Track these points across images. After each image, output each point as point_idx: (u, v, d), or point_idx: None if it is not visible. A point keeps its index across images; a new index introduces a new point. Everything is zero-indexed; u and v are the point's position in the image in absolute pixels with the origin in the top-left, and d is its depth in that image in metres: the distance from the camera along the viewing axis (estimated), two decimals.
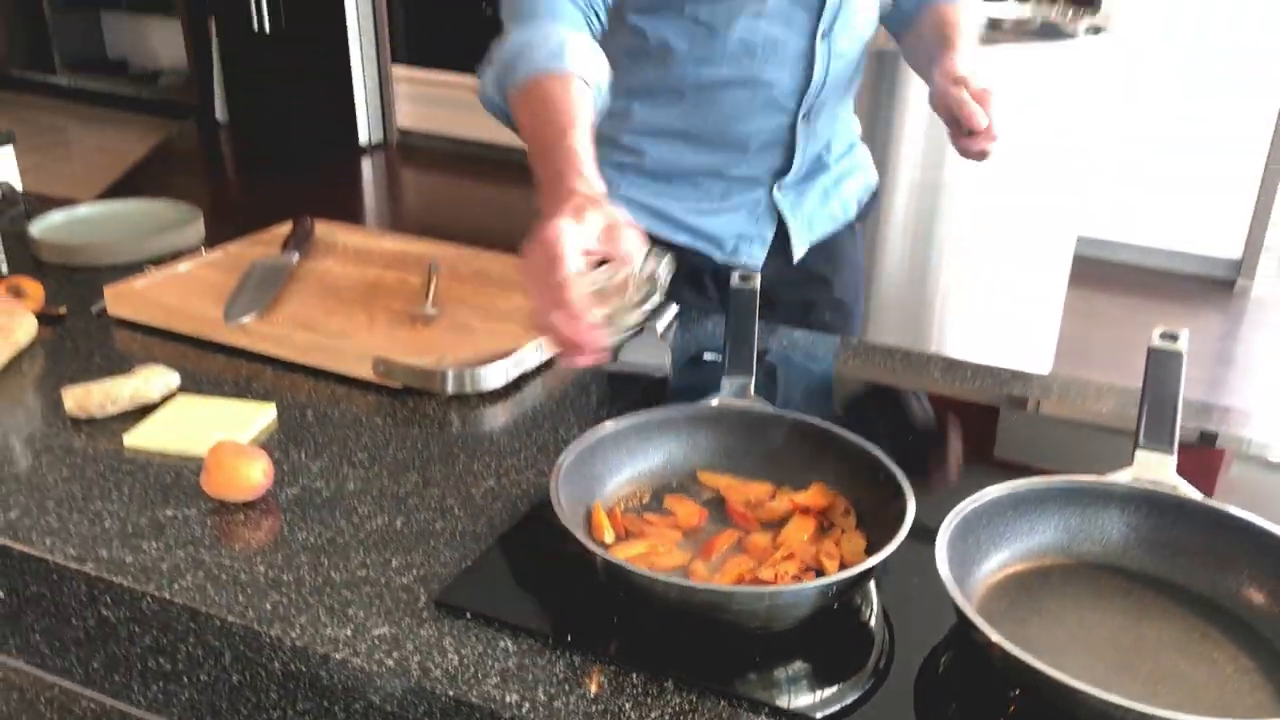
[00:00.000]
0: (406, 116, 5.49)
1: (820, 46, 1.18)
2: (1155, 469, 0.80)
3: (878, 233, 2.64)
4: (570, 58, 0.97)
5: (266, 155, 5.53)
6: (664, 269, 0.86)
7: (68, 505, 0.84)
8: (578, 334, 0.75)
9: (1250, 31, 3.57)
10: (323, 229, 1.36)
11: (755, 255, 1.31)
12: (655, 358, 1.07)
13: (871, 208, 1.44)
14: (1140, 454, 0.81)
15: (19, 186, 1.78)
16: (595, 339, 0.77)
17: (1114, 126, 3.82)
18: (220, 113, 5.88)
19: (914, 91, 2.48)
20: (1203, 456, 1.00)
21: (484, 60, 1.04)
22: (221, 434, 0.89)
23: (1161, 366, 0.84)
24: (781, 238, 1.31)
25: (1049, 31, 2.65)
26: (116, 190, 4.62)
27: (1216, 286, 3.81)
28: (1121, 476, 0.79)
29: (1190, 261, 3.87)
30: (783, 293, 1.29)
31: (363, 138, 5.45)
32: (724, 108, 1.20)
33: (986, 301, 2.76)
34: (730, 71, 1.14)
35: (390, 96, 5.45)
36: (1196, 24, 3.66)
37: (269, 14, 5.40)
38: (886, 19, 1.30)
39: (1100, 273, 3.84)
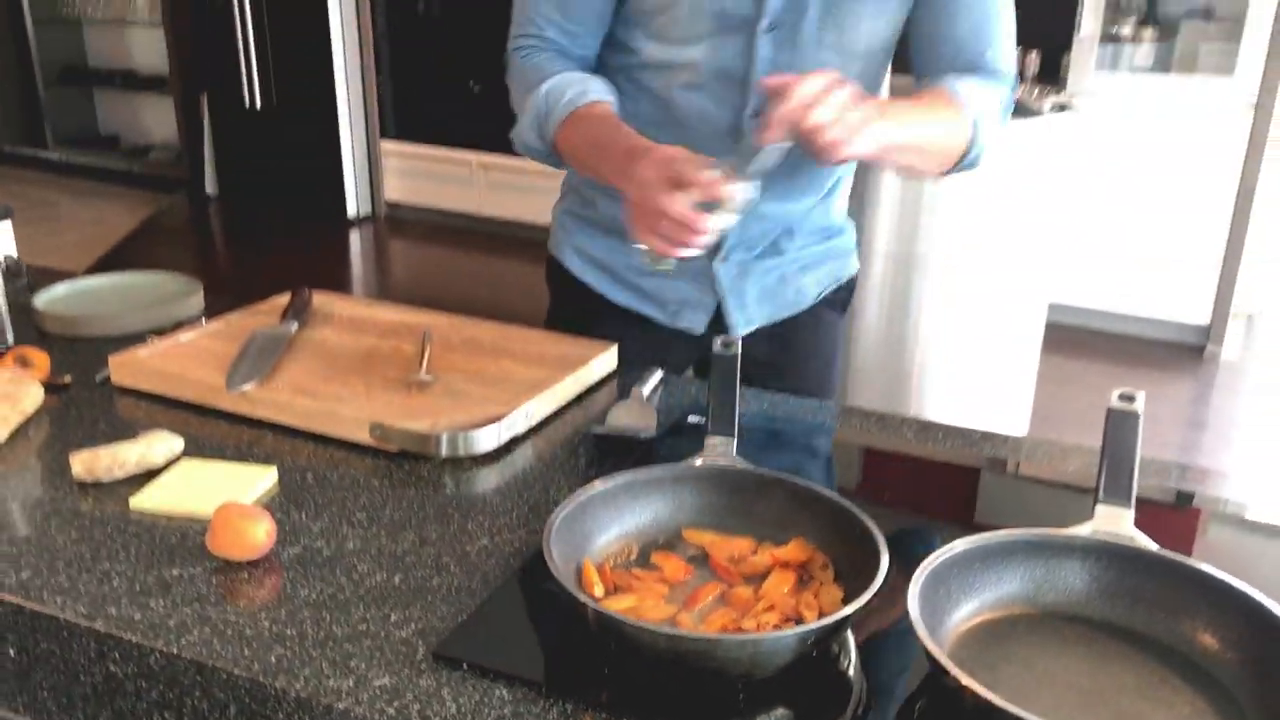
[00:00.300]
0: (395, 190, 5.59)
1: (750, 124, 1.21)
2: (1114, 522, 0.84)
3: (855, 302, 2.71)
4: (594, 90, 1.19)
5: (256, 228, 5.61)
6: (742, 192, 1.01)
7: (77, 565, 0.87)
8: (689, 219, 0.97)
9: (1208, 105, 3.71)
10: (320, 299, 1.41)
11: (696, 323, 1.36)
12: (641, 421, 1.13)
13: (844, 298, 1.45)
14: (1100, 508, 0.85)
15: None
16: (701, 226, 0.98)
17: (1082, 198, 3.94)
18: (210, 186, 5.97)
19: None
20: (1180, 516, 1.04)
21: (517, 119, 1.25)
22: (225, 496, 0.93)
23: (1119, 426, 0.89)
24: (716, 310, 1.36)
25: (1017, 109, 2.76)
26: (107, 262, 4.67)
27: (1187, 352, 3.90)
28: (1082, 530, 0.84)
29: (1160, 328, 3.97)
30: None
31: (351, 210, 5.54)
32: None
33: (964, 369, 2.83)
34: (668, 139, 1.16)
35: (379, 170, 5.56)
36: (1157, 99, 3.80)
37: (261, 91, 5.53)
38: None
39: (1074, 339, 3.92)
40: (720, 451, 0.96)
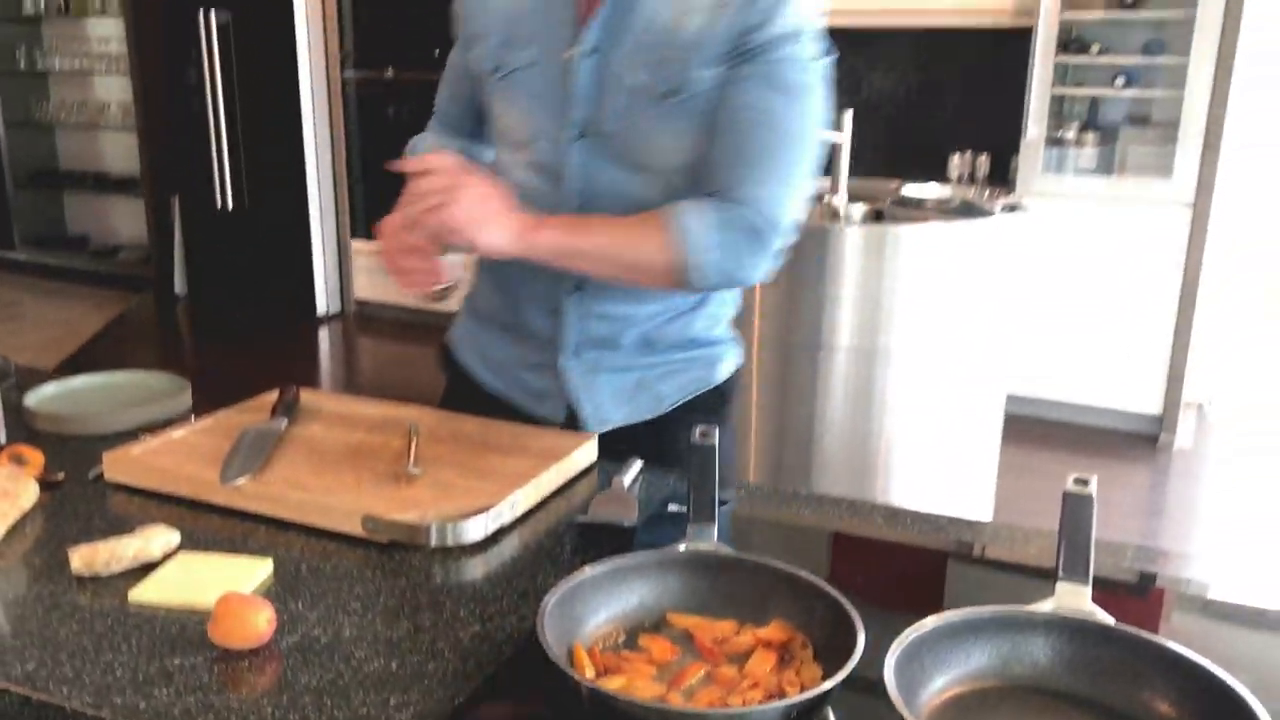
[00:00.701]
0: (364, 288, 5.66)
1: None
2: (1074, 599, 0.90)
3: (821, 394, 2.79)
4: (436, 144, 1.45)
5: (224, 326, 5.64)
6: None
7: (80, 657, 0.89)
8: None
9: (1149, 204, 3.90)
10: (307, 396, 1.46)
11: (555, 413, 1.41)
12: (623, 510, 1.17)
13: (713, 402, 1.44)
14: (1060, 585, 0.91)
15: None
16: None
17: (1035, 293, 4.09)
18: (180, 286, 6.01)
19: (849, 264, 2.68)
20: (1143, 600, 1.10)
21: None
22: (223, 587, 0.96)
23: (1075, 508, 0.95)
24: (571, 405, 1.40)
25: (969, 210, 2.90)
26: (74, 362, 4.67)
27: (1141, 441, 4.01)
28: (1044, 606, 0.90)
29: (1115, 418, 4.08)
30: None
31: (321, 308, 5.59)
32: (504, 276, 1.40)
33: (927, 459, 2.90)
34: None
35: (349, 269, 5.64)
36: (1101, 199, 3.98)
37: (233, 192, 5.62)
38: None
39: (1033, 430, 4.03)
40: (702, 538, 1.01)
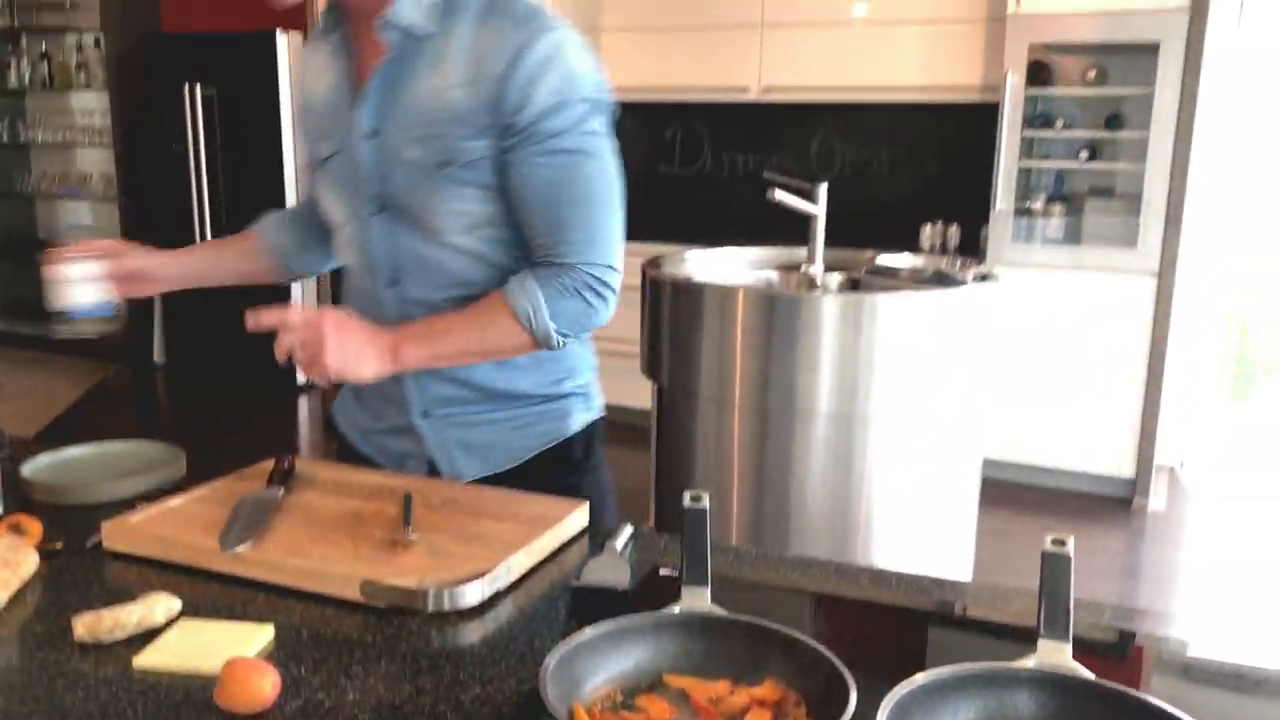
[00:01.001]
0: None
1: (387, 293, 1.44)
2: (1056, 655, 0.93)
3: (800, 459, 2.83)
4: (264, 223, 1.68)
5: (203, 395, 5.63)
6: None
7: None
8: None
9: (1116, 272, 4.00)
10: (303, 465, 1.48)
11: (418, 471, 1.51)
12: (616, 574, 1.20)
13: (572, 453, 1.52)
14: (1042, 642, 0.95)
15: None
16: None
17: (1009, 358, 4.17)
18: (158, 355, 6.00)
19: (826, 331, 2.74)
20: (1123, 655, 1.13)
21: None
22: (226, 653, 0.97)
23: (1054, 568, 0.99)
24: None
25: (942, 279, 2.98)
26: (52, 432, 4.65)
27: (1116, 504, 4.07)
28: (1027, 662, 0.93)
29: (1089, 481, 4.15)
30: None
31: (301, 378, 5.60)
32: None
33: (907, 523, 2.94)
34: (349, 299, 1.53)
35: None
36: (1070, 268, 4.09)
37: None
38: None
39: (1010, 494, 4.08)
40: (696, 599, 1.04)
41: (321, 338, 1.30)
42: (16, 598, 1.14)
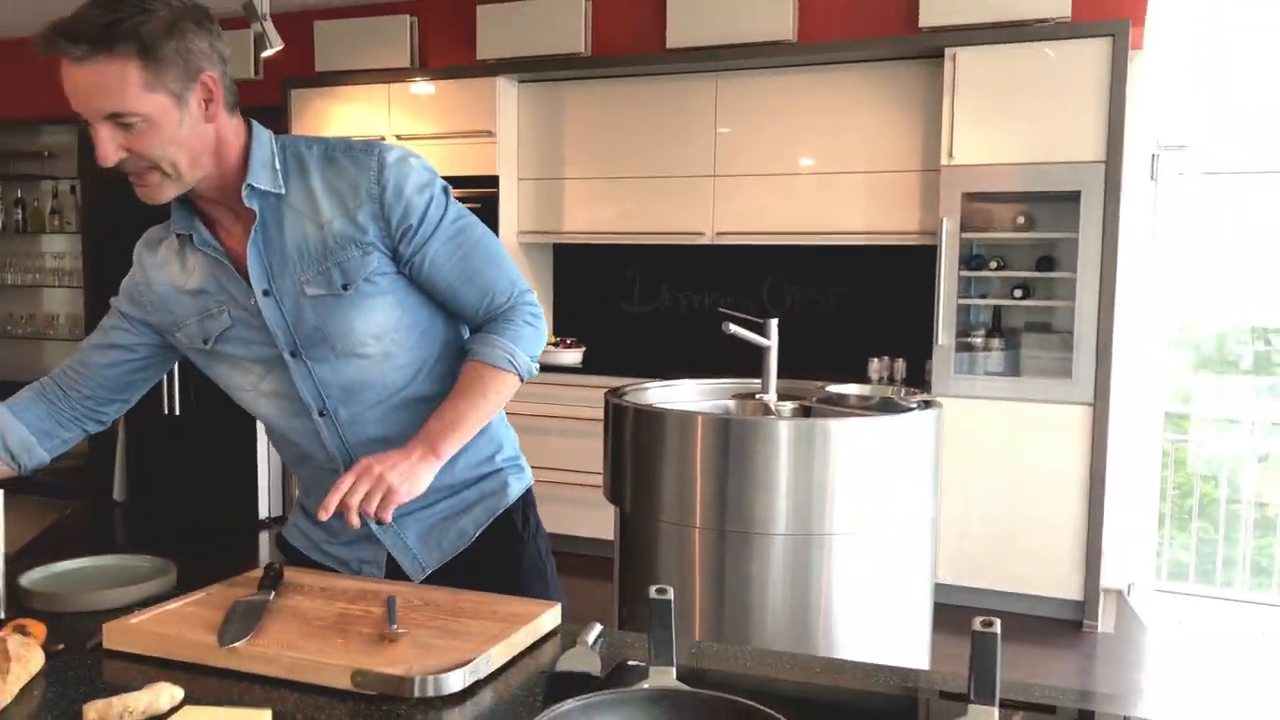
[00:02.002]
0: None
1: (320, 422, 1.59)
2: (983, 716, 1.05)
3: (759, 578, 2.93)
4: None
5: (163, 532, 5.60)
6: None
7: None
8: None
9: (1053, 403, 4.22)
10: (290, 573, 1.57)
11: (376, 573, 1.65)
12: (589, 664, 1.30)
13: (513, 522, 1.70)
14: (972, 707, 1.07)
15: None
16: None
17: (955, 485, 4.33)
18: (118, 493, 5.99)
19: (782, 455, 2.88)
20: None
21: None
22: None
23: (983, 644, 1.12)
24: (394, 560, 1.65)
25: (888, 406, 3.15)
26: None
27: (1066, 626, 4.17)
28: None
29: (1040, 604, 4.26)
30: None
31: (263, 512, 5.61)
32: (293, 459, 1.68)
33: (863, 642, 3.02)
34: (278, 440, 1.68)
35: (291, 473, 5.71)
36: (1009, 398, 4.30)
37: (180, 398, 5.73)
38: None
39: (964, 618, 4.16)
40: (663, 678, 1.14)
41: (382, 481, 1.43)
42: (24, 692, 1.21)
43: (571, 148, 5.16)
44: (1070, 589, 4.21)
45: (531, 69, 5.12)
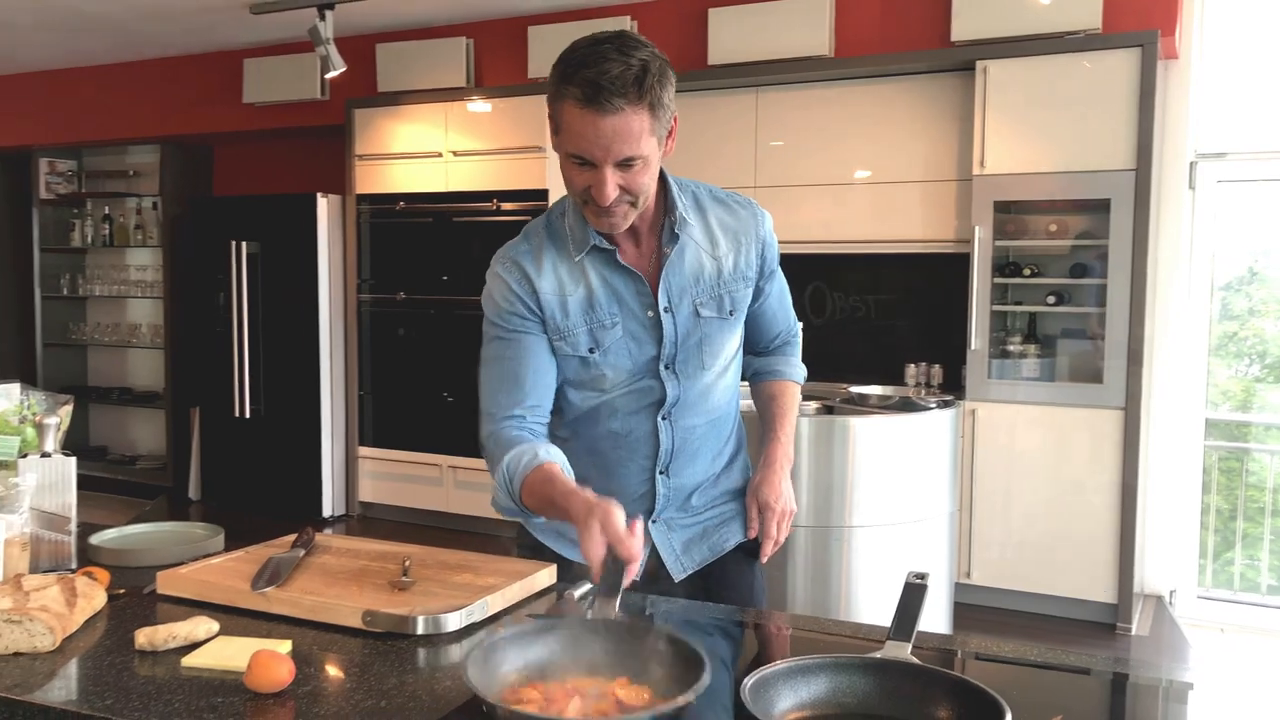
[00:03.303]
0: (368, 491, 5.98)
1: (662, 424, 1.72)
2: (896, 650, 1.20)
3: (780, 573, 3.06)
4: (541, 454, 1.57)
5: (234, 528, 5.91)
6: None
7: (146, 697, 1.18)
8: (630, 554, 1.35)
9: (1087, 406, 4.27)
10: (321, 537, 1.77)
11: (637, 574, 1.70)
12: (571, 613, 1.46)
13: (751, 545, 1.82)
14: (889, 643, 1.21)
15: None
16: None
17: (991, 489, 4.40)
18: (193, 491, 6.33)
19: (804, 452, 3.02)
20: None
21: (494, 487, 1.65)
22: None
23: (910, 593, 1.28)
24: (659, 560, 1.75)
25: (908, 405, 3.28)
26: None
27: (1100, 629, 4.21)
28: (876, 654, 1.19)
29: (1074, 606, 4.30)
30: (668, 605, 1.64)
31: (326, 511, 5.89)
32: (606, 464, 1.74)
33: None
34: (606, 445, 1.74)
35: (355, 474, 5.98)
36: (1044, 402, 4.36)
37: (250, 402, 6.06)
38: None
39: (997, 618, 4.24)
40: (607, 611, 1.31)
41: (788, 509, 1.77)
42: (89, 623, 1.42)
43: None
44: (1105, 592, 4.25)
45: None
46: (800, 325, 1.95)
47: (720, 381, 1.76)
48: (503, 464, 1.58)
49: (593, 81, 1.46)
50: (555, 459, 1.58)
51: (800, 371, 1.92)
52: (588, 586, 1.58)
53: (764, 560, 1.77)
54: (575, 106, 1.48)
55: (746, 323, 1.79)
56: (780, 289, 1.85)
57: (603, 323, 1.67)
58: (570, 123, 1.50)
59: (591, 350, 1.67)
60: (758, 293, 1.78)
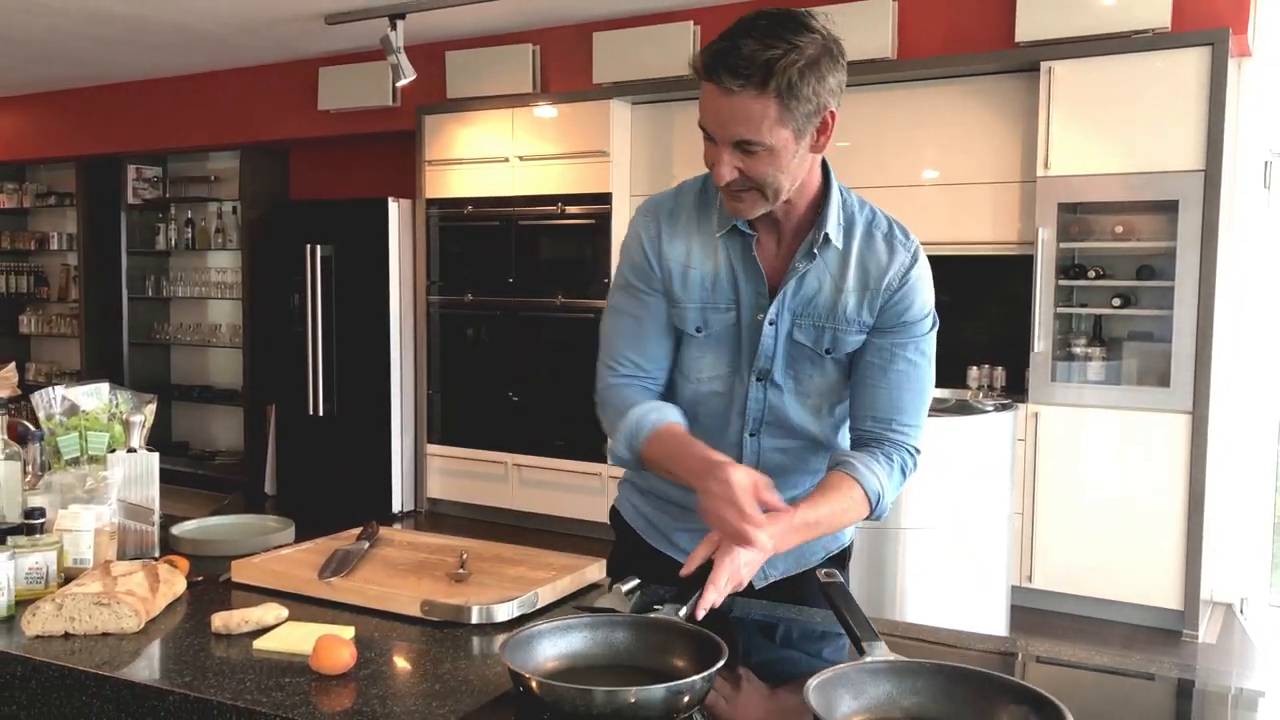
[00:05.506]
0: (436, 488, 6.14)
1: (748, 440, 1.65)
2: (880, 651, 1.25)
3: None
4: (669, 415, 1.60)
5: (306, 521, 6.11)
6: None
7: (221, 675, 1.28)
8: (746, 525, 1.37)
9: (1153, 410, 4.21)
10: (384, 531, 1.87)
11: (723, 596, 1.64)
12: (617, 605, 1.53)
13: (841, 559, 1.79)
14: (866, 644, 1.26)
15: None
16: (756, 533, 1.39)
17: (1055, 493, 4.36)
18: (269, 486, 6.56)
19: None
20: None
21: (609, 433, 1.65)
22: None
23: (835, 592, 1.37)
24: None
25: (964, 408, 3.28)
26: None
27: (1166, 635, 4.15)
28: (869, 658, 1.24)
29: (1139, 613, 4.25)
30: (750, 609, 1.63)
31: (395, 506, 6.06)
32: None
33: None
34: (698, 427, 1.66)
35: (424, 470, 6.14)
36: (1109, 405, 4.31)
37: (324, 400, 6.25)
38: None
39: (1061, 623, 4.20)
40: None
41: (744, 576, 1.49)
42: (170, 608, 1.53)
43: (681, 165, 5.41)
44: (1171, 598, 4.19)
45: (644, 91, 5.40)
46: (920, 455, 1.63)
47: (808, 414, 1.67)
48: (630, 416, 1.59)
49: (719, 56, 1.41)
50: (679, 419, 1.60)
51: (876, 485, 1.57)
52: (635, 582, 1.65)
53: (699, 618, 1.40)
54: (701, 76, 1.45)
55: (853, 386, 1.66)
56: (911, 370, 1.61)
57: (718, 305, 1.62)
58: (702, 92, 1.47)
59: (698, 330, 1.64)
60: (875, 344, 1.61)
